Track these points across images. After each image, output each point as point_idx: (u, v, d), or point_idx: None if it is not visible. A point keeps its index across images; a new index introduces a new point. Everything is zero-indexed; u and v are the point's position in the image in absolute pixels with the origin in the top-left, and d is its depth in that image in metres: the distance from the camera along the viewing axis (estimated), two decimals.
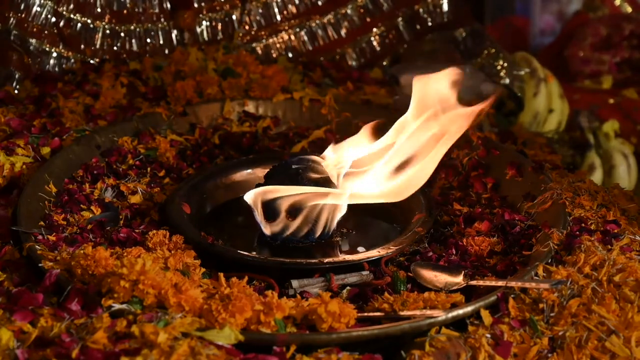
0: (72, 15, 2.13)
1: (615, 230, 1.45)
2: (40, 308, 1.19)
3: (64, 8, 2.12)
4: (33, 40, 2.10)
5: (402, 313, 1.26)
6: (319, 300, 1.22)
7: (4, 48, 2.04)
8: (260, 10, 2.27)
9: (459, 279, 1.37)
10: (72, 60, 2.14)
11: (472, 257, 1.47)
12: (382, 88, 2.09)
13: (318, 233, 1.51)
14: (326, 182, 1.50)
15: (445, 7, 2.37)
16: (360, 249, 1.53)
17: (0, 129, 1.74)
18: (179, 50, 2.11)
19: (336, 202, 1.49)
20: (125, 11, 2.18)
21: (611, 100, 2.57)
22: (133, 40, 2.19)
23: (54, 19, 2.12)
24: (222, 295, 1.20)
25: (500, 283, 1.31)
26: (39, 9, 2.10)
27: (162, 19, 2.21)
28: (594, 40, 2.78)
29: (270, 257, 1.46)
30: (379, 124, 1.55)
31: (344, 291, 1.38)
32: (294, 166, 1.51)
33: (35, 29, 2.10)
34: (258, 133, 1.89)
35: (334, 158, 1.55)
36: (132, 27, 2.19)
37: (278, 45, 2.29)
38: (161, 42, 2.21)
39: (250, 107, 1.96)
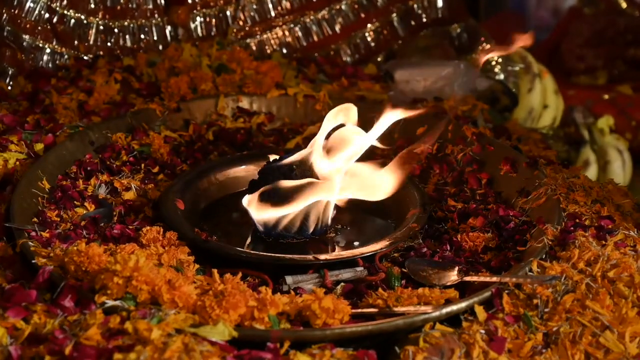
0: (65, 11, 2.13)
1: (610, 226, 1.44)
2: (33, 304, 1.19)
3: (58, 4, 2.12)
4: (26, 37, 2.09)
5: (396, 309, 1.25)
6: (313, 296, 1.22)
7: None
8: (254, 6, 2.27)
9: (453, 275, 1.37)
10: (66, 57, 2.13)
11: (467, 253, 1.47)
12: (377, 84, 2.08)
13: (312, 229, 1.51)
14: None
15: (440, 3, 2.37)
16: (354, 244, 1.53)
17: None
18: (173, 46, 2.11)
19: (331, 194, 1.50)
20: (118, 7, 2.17)
21: (606, 96, 2.57)
22: (127, 36, 2.18)
23: (47, 15, 2.11)
24: (216, 292, 1.20)
25: (494, 279, 1.31)
26: (32, 4, 2.09)
27: (156, 15, 2.20)
28: (589, 36, 2.78)
29: (264, 253, 1.46)
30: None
31: (338, 287, 1.38)
32: (287, 163, 1.51)
33: (28, 25, 2.09)
34: (252, 129, 1.89)
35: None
36: (126, 23, 2.18)
37: (272, 41, 2.28)
38: (155, 38, 2.20)
39: (244, 103, 1.95)
